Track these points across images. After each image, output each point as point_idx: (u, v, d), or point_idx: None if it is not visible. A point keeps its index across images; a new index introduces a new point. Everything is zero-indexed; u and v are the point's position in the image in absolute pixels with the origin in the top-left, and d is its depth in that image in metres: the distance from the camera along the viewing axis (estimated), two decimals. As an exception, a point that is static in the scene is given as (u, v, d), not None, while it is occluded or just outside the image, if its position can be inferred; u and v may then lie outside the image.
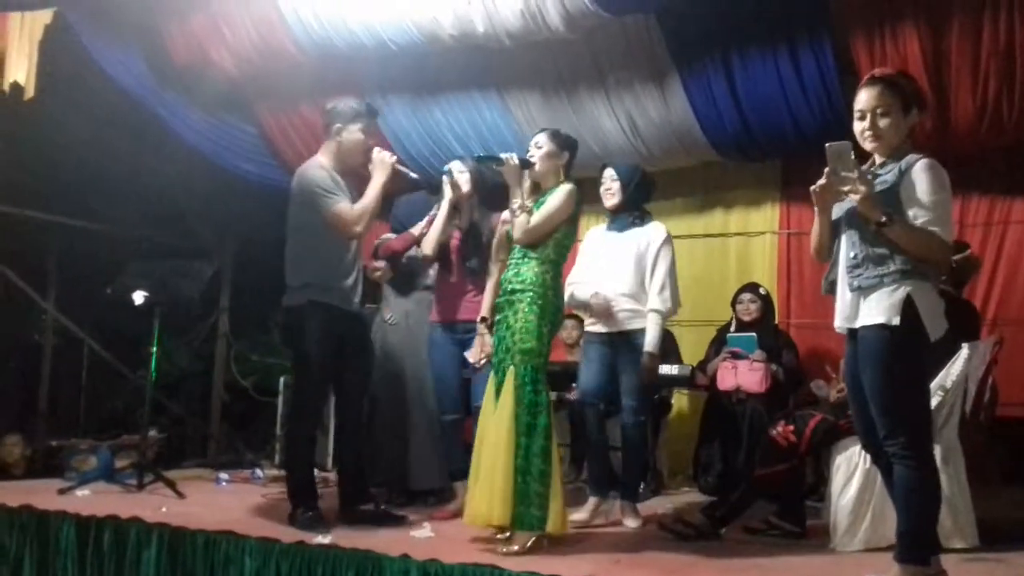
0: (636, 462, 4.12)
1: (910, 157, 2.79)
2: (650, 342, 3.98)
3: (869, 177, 2.80)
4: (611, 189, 4.18)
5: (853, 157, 2.70)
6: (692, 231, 5.85)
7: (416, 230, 4.34)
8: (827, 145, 2.72)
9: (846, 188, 2.70)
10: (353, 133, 3.85)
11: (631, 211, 4.18)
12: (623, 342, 4.04)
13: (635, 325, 4.03)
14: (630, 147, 5.27)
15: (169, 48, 5.39)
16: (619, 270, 4.07)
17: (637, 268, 4.06)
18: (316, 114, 5.85)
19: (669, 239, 4.15)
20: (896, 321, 2.69)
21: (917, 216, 2.72)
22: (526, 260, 3.51)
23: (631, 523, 3.96)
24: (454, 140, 5.57)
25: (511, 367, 3.38)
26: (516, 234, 3.51)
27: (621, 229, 4.18)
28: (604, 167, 4.26)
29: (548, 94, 5.23)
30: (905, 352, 2.71)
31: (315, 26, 4.95)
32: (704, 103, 4.93)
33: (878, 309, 2.73)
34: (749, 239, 5.70)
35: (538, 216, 3.49)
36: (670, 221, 5.82)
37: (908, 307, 2.69)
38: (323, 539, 3.35)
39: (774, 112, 4.77)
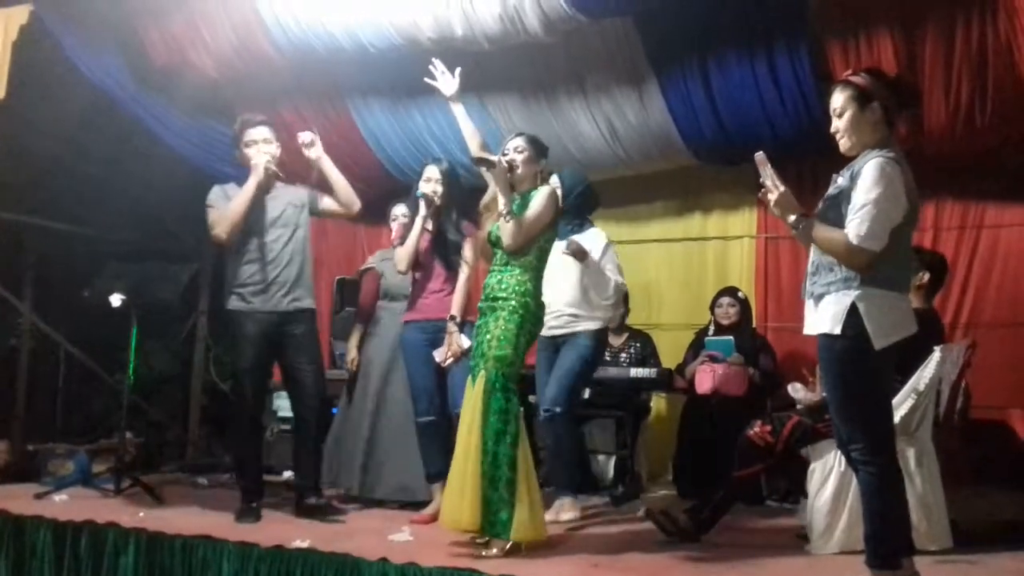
0: (560, 455, 4.10)
1: (867, 155, 2.77)
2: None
3: (841, 179, 2.83)
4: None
5: (768, 166, 2.82)
6: (671, 235, 5.89)
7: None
8: (755, 156, 2.84)
9: (768, 194, 2.82)
10: (241, 152, 4.20)
11: (570, 219, 4.24)
12: (565, 343, 4.16)
13: (578, 327, 4.14)
14: (608, 151, 5.29)
15: (148, 50, 5.35)
16: (563, 275, 4.15)
17: (579, 271, 4.14)
18: (295, 117, 5.87)
19: (609, 245, 4.25)
20: (838, 330, 2.71)
21: (849, 217, 2.73)
22: (509, 268, 3.52)
23: (566, 516, 3.99)
24: (433, 143, 5.56)
25: (482, 372, 3.41)
26: (506, 240, 3.49)
27: (562, 236, 4.21)
28: (550, 174, 4.30)
29: (527, 97, 5.24)
30: (852, 360, 2.72)
31: (294, 28, 4.93)
32: (682, 107, 4.96)
33: (825, 317, 2.76)
34: (727, 243, 5.73)
35: (526, 219, 3.49)
36: (649, 225, 5.91)
37: (852, 315, 2.69)
38: (301, 543, 3.35)
39: (751, 117, 4.80)
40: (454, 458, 3.44)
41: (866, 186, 2.70)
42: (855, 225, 2.69)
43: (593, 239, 4.24)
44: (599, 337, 4.24)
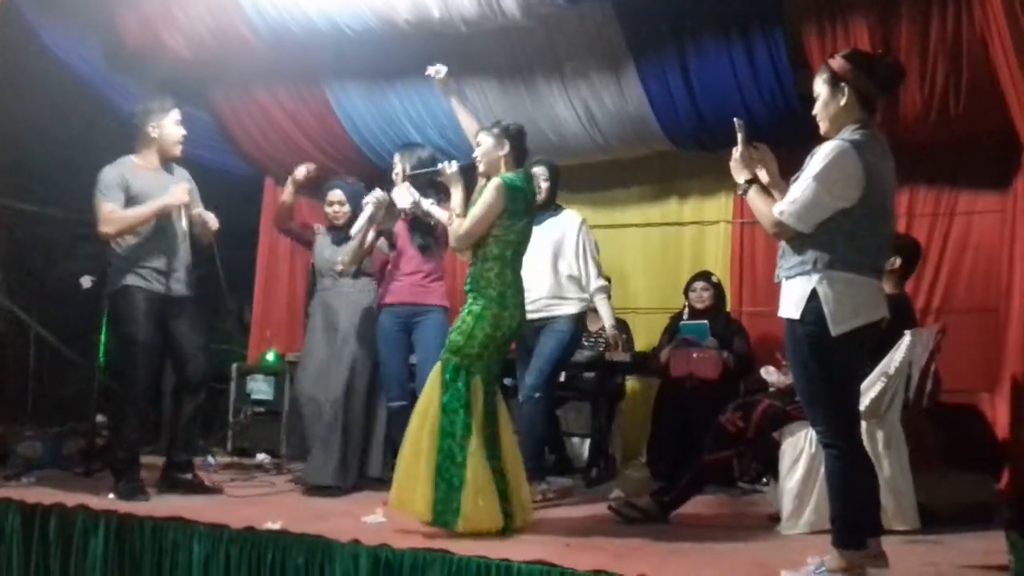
0: (531, 439, 4.12)
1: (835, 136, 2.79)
2: (608, 317, 4.28)
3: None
4: (541, 186, 4.29)
5: (739, 133, 2.93)
6: (647, 220, 5.91)
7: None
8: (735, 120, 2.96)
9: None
10: (161, 129, 4.19)
11: (549, 205, 4.33)
12: (544, 327, 4.19)
13: (557, 312, 4.20)
14: (586, 136, 5.29)
15: (121, 31, 5.29)
16: (539, 261, 4.18)
17: (553, 256, 4.21)
18: (271, 99, 5.84)
19: (585, 222, 4.33)
20: (798, 315, 2.73)
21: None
22: (473, 261, 3.56)
23: None
24: (410, 126, 5.54)
25: (439, 361, 3.47)
26: (451, 242, 3.59)
27: (539, 223, 4.24)
28: (537, 162, 4.33)
29: (505, 82, 5.22)
30: (812, 346, 2.72)
31: (269, 10, 4.87)
32: (659, 93, 4.96)
33: (789, 302, 2.78)
34: (703, 228, 5.76)
35: (468, 220, 3.50)
36: (626, 210, 5.93)
37: (812, 301, 2.70)
38: (272, 525, 3.34)
39: (728, 102, 4.79)
40: (403, 441, 3.48)
41: (810, 166, 2.73)
42: (784, 200, 2.74)
43: (566, 221, 4.28)
44: (577, 322, 4.28)
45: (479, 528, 3.31)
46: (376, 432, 4.47)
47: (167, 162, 4.27)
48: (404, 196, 4.16)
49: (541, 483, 4.13)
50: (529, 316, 4.12)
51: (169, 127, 4.21)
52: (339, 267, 4.45)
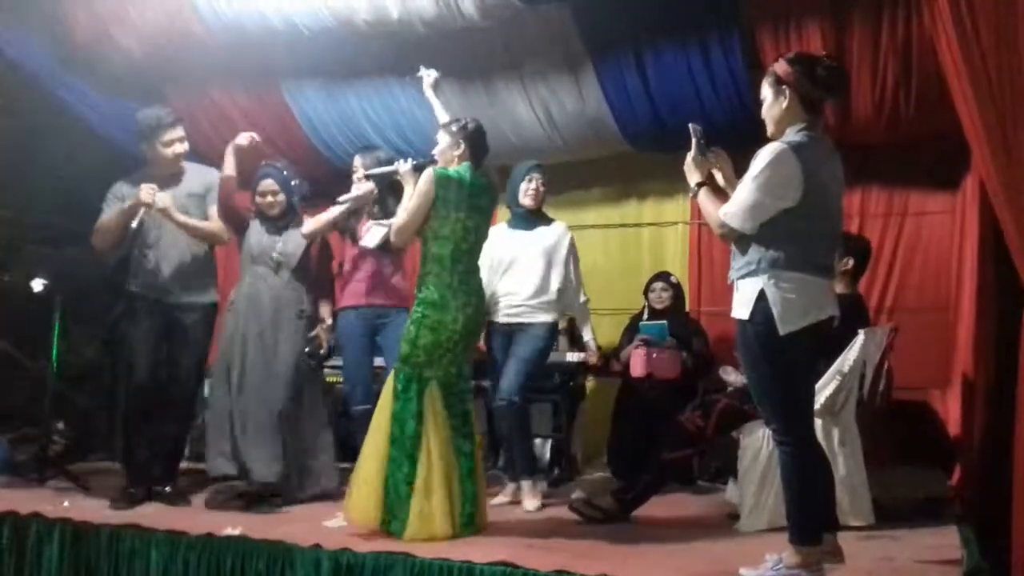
0: (522, 441, 4.18)
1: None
2: (589, 331, 4.47)
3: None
4: (540, 191, 4.33)
5: (693, 138, 2.98)
6: (608, 221, 5.93)
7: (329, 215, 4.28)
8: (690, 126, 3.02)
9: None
10: (154, 147, 4.16)
11: (540, 211, 4.37)
12: (522, 332, 4.20)
13: (538, 318, 4.21)
14: (545, 137, 5.30)
15: (71, 27, 5.19)
16: (529, 267, 4.23)
17: (545, 264, 4.24)
18: (227, 98, 5.76)
19: (573, 237, 4.40)
20: (748, 315, 2.77)
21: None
22: (422, 263, 3.56)
23: (530, 505, 4.05)
24: (369, 126, 5.51)
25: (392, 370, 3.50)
26: (391, 237, 3.62)
27: (530, 228, 4.30)
28: (537, 166, 4.38)
29: (463, 82, 5.21)
30: (762, 346, 2.76)
31: (225, 9, 4.82)
32: (617, 95, 4.99)
33: (740, 303, 2.82)
34: (662, 229, 5.80)
35: (402, 214, 3.51)
36: (586, 211, 5.95)
37: (760, 301, 2.74)
38: (232, 531, 3.31)
39: (685, 104, 4.84)
40: (361, 451, 3.48)
41: (751, 169, 2.78)
42: (729, 202, 2.80)
43: (559, 231, 4.37)
44: (553, 330, 4.34)
45: (423, 536, 3.30)
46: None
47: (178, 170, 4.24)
48: (375, 235, 4.17)
49: (540, 481, 4.21)
50: (507, 319, 4.21)
51: (159, 150, 4.14)
52: (276, 256, 4.21)
